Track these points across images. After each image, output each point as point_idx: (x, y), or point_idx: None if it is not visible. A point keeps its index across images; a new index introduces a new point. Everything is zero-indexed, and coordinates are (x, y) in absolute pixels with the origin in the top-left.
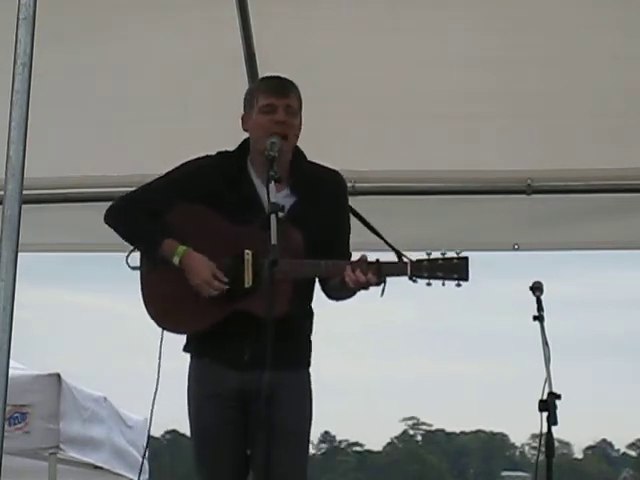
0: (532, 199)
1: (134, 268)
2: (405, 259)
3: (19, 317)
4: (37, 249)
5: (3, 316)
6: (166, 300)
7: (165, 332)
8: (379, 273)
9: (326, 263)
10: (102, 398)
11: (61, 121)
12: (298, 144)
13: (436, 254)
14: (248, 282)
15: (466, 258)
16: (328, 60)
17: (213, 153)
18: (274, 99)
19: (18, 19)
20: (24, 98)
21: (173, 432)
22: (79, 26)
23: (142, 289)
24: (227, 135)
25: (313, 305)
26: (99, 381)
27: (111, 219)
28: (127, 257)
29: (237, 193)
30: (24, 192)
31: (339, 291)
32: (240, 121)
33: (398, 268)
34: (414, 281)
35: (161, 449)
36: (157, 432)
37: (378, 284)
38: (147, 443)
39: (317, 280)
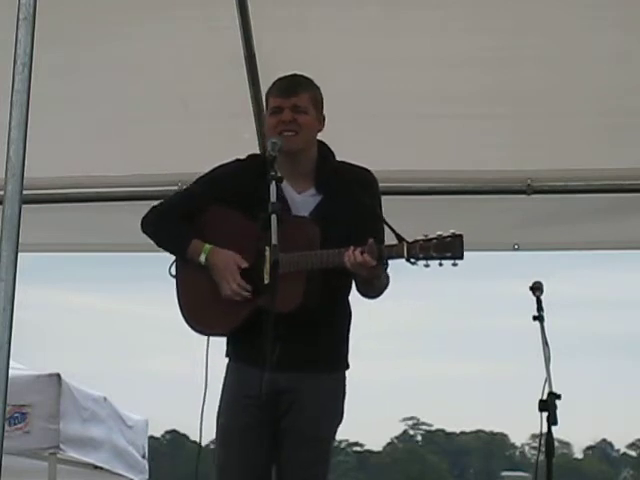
0: (532, 199)
1: (174, 276)
2: (403, 242)
3: (19, 317)
4: (37, 249)
5: (3, 316)
6: (197, 304)
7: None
8: (377, 255)
9: (320, 252)
10: (102, 398)
11: (61, 121)
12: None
13: (432, 236)
14: (267, 279)
15: (460, 236)
16: (328, 60)
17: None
18: (280, 100)
19: (18, 19)
20: (24, 98)
21: (173, 432)
22: (79, 26)
23: (177, 295)
24: (227, 135)
25: None
26: (99, 381)
27: (145, 227)
28: (170, 267)
29: (263, 195)
30: (24, 192)
31: (362, 285)
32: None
33: (395, 250)
34: (412, 263)
35: (161, 449)
36: (157, 432)
37: (377, 266)
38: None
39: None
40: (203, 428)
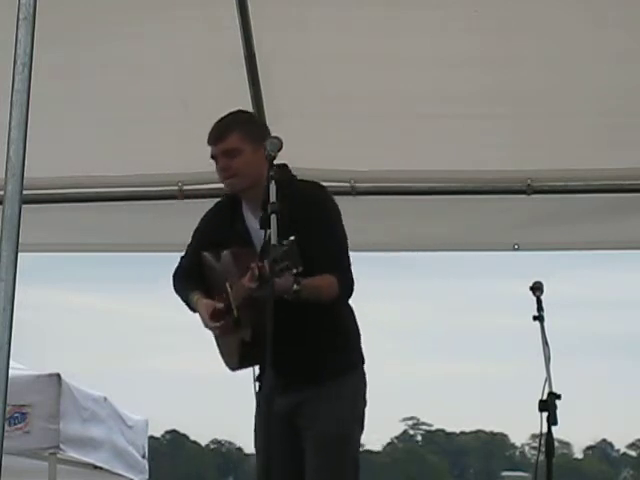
0: (532, 199)
1: None
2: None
3: (19, 317)
4: (37, 249)
5: (3, 316)
6: (224, 344)
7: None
8: (257, 276)
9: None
10: (102, 398)
11: (61, 121)
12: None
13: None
14: (235, 312)
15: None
16: (328, 60)
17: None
18: (212, 149)
19: (18, 19)
20: (24, 98)
21: (173, 432)
22: (79, 26)
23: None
24: None
25: None
26: (99, 381)
27: (173, 288)
28: None
29: (234, 230)
30: (24, 192)
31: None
32: None
33: (262, 271)
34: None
35: (161, 449)
36: (157, 432)
37: (257, 288)
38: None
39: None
40: (203, 428)
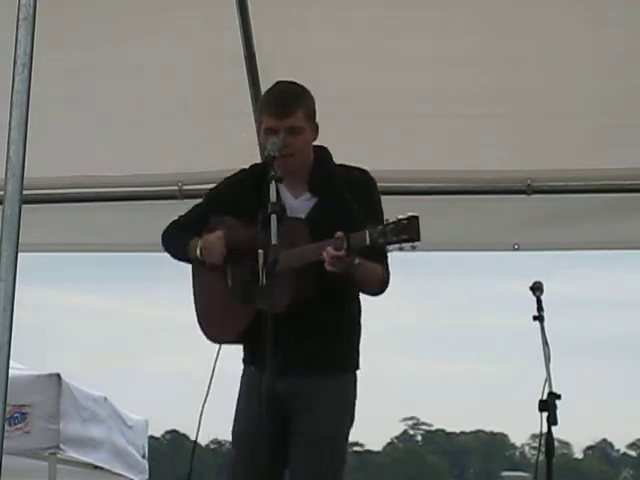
0: (532, 199)
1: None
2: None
3: (19, 317)
4: (37, 249)
5: (3, 316)
6: (207, 312)
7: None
8: (345, 246)
9: (308, 247)
10: (102, 398)
11: (61, 121)
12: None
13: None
14: (262, 280)
15: (416, 217)
16: (328, 60)
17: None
18: (275, 121)
19: (18, 19)
20: (24, 98)
21: (173, 432)
22: (79, 26)
23: (194, 304)
24: (227, 135)
25: None
26: (99, 381)
27: (162, 243)
28: None
29: (264, 202)
30: (24, 192)
31: (351, 284)
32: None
33: (359, 237)
34: (379, 249)
35: (161, 449)
36: (157, 432)
37: (346, 257)
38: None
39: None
40: (203, 428)
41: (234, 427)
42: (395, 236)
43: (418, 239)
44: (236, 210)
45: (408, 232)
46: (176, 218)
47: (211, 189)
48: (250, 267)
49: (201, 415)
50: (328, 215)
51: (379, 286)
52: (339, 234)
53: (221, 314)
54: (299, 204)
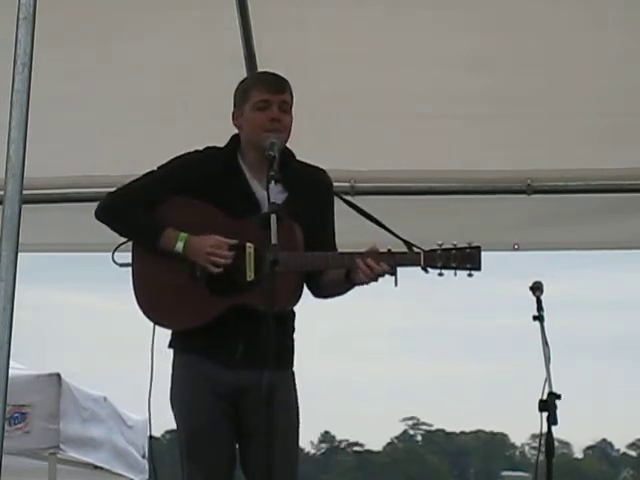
0: (532, 199)
1: (122, 265)
2: (417, 249)
3: (19, 317)
4: (37, 249)
5: (3, 316)
6: (161, 295)
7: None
8: (392, 262)
9: (333, 255)
10: (102, 398)
11: (61, 121)
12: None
13: (447, 245)
14: (250, 275)
15: (478, 248)
16: (328, 60)
17: (201, 148)
18: (269, 95)
19: (18, 19)
20: (24, 98)
21: (173, 432)
22: (79, 26)
23: (134, 285)
24: (227, 135)
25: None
26: (99, 381)
27: (104, 214)
28: (113, 253)
29: (229, 187)
30: (24, 192)
31: (335, 287)
32: (231, 117)
33: (411, 258)
34: (426, 271)
35: (161, 449)
36: (157, 432)
37: (391, 274)
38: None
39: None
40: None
41: (188, 421)
42: (457, 263)
43: (480, 269)
44: (193, 190)
45: (471, 261)
46: (119, 189)
47: (162, 165)
48: (234, 258)
49: (150, 404)
50: (300, 212)
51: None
52: (377, 250)
53: (179, 300)
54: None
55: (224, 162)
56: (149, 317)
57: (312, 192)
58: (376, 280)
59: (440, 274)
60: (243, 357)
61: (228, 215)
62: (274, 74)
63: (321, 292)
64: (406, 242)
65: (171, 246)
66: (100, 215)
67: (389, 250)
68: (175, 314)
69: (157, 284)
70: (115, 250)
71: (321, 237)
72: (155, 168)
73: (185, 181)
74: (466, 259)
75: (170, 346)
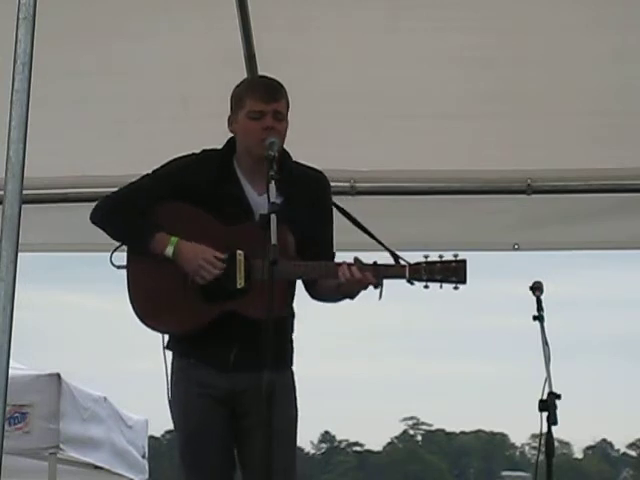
0: (532, 199)
1: (119, 267)
2: (402, 262)
3: (19, 317)
4: (37, 249)
5: (3, 316)
6: (154, 299)
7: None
8: (376, 274)
9: (326, 264)
10: (102, 398)
11: (61, 121)
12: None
13: (433, 255)
14: (240, 283)
15: (464, 261)
16: (328, 60)
17: (198, 151)
18: (263, 105)
19: (18, 19)
20: (24, 98)
21: (173, 432)
22: (79, 26)
23: (128, 288)
24: (227, 135)
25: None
26: (99, 381)
27: (98, 218)
28: (111, 255)
29: (223, 192)
30: (24, 192)
31: (328, 294)
32: (227, 120)
33: (396, 270)
34: (411, 284)
35: (161, 449)
36: (157, 432)
37: (375, 285)
38: None
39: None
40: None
41: (184, 425)
42: (441, 275)
43: (465, 282)
44: (188, 194)
45: (457, 275)
46: (113, 193)
47: (158, 169)
48: (226, 265)
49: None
50: (294, 217)
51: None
52: (366, 262)
53: (170, 304)
54: (264, 201)
55: (219, 166)
56: (141, 320)
57: (308, 195)
58: (360, 288)
59: (426, 287)
60: (237, 362)
61: (219, 219)
62: (269, 81)
63: (317, 296)
64: (393, 254)
65: (161, 250)
66: (93, 218)
67: (374, 262)
68: (165, 319)
69: (151, 287)
70: (113, 253)
71: (316, 242)
72: (151, 171)
73: (179, 185)
74: (451, 272)
75: (168, 348)
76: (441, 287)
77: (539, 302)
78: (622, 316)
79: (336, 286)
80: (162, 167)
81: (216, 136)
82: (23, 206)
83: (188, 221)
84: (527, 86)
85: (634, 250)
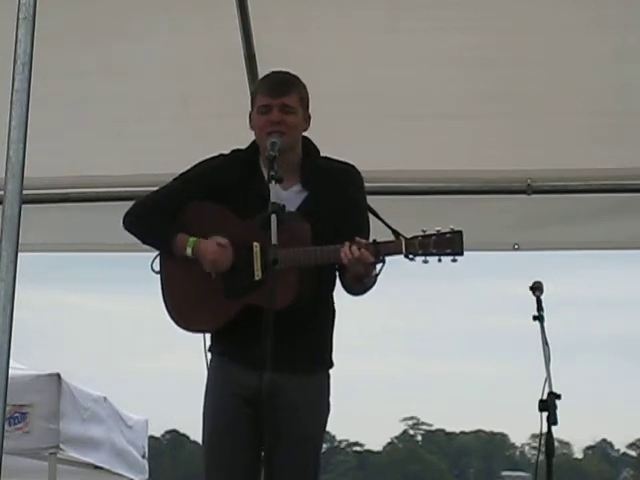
0: (532, 199)
1: (158, 272)
2: (401, 238)
3: (19, 317)
4: (37, 249)
5: (3, 316)
6: (184, 301)
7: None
8: (375, 251)
9: (315, 249)
10: (102, 398)
11: (61, 121)
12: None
13: (432, 231)
14: (258, 275)
15: (460, 232)
16: (328, 60)
17: (227, 152)
18: (269, 99)
19: (18, 19)
20: (24, 98)
21: (173, 432)
22: (79, 26)
23: (162, 292)
24: (227, 135)
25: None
26: (99, 381)
27: (128, 223)
28: (152, 262)
29: (249, 190)
30: (24, 192)
31: (351, 282)
32: (248, 119)
33: (393, 246)
34: (411, 259)
35: (161, 449)
36: (157, 432)
37: (375, 263)
38: None
39: (337, 274)
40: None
41: (212, 425)
42: (437, 249)
43: (462, 254)
44: (217, 195)
45: (452, 246)
46: (143, 198)
47: (187, 171)
48: (240, 260)
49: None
50: (321, 209)
51: (367, 290)
52: (362, 241)
53: (203, 303)
54: (289, 196)
55: (245, 164)
56: (174, 320)
57: (334, 187)
58: (361, 268)
59: (425, 261)
60: (265, 359)
61: (241, 217)
62: (280, 75)
63: (346, 288)
64: (393, 230)
65: (182, 251)
66: (125, 225)
67: (374, 240)
68: (195, 319)
69: (181, 288)
70: (154, 260)
71: (349, 230)
72: (179, 174)
73: (209, 186)
74: (447, 244)
75: (209, 349)
76: (439, 260)
77: (539, 302)
78: (622, 316)
79: (350, 274)
80: (191, 169)
81: (216, 136)
82: (23, 206)
83: (212, 219)
84: (527, 86)
85: (634, 250)
